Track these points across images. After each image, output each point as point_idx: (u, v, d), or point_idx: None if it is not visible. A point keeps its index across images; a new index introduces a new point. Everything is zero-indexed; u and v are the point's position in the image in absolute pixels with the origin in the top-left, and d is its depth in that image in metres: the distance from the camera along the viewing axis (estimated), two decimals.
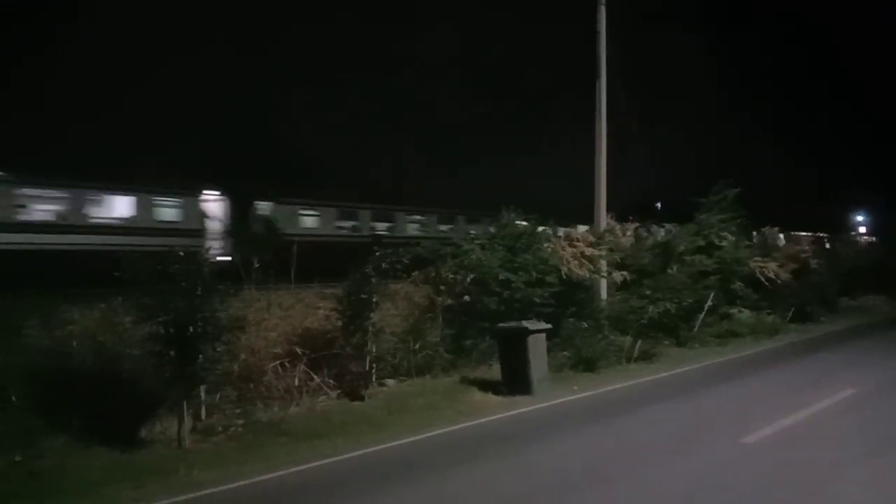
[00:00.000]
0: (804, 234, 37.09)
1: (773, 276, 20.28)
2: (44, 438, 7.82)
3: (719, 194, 20.74)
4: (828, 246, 31.46)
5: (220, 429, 8.89)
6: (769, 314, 20.29)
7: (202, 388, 8.86)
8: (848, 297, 26.74)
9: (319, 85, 36.36)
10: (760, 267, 20.19)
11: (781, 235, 28.42)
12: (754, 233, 24.91)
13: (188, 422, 8.50)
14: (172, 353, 8.28)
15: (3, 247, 17.49)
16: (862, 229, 58.39)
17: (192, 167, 23.67)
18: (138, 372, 8.93)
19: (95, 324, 9.83)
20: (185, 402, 8.44)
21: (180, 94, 31.08)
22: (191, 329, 8.30)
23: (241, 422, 9.16)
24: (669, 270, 17.73)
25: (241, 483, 7.14)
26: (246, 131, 31.79)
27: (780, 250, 23.13)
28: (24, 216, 18.89)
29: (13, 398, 8.05)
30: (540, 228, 15.25)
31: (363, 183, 29.95)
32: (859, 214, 60.32)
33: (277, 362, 10.63)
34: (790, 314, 20.87)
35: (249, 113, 32.45)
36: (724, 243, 19.82)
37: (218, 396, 9.43)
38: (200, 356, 8.39)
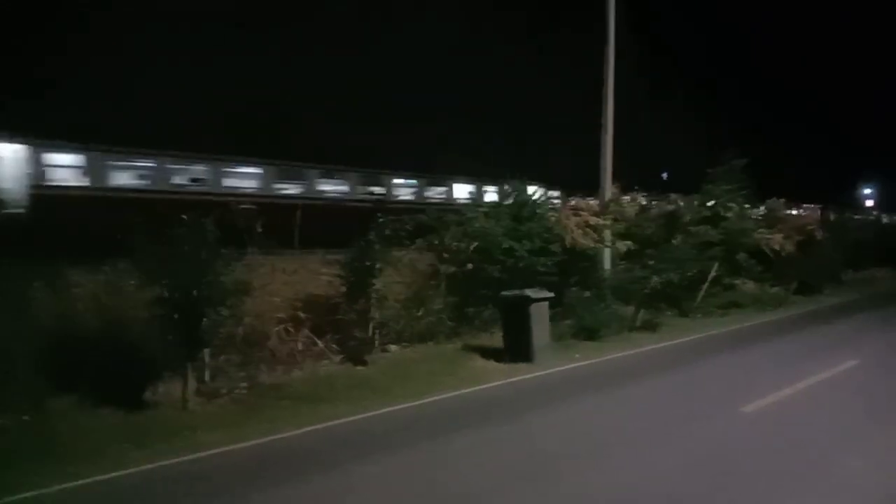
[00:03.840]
0: (811, 206, 36.89)
1: (778, 248, 20.26)
2: (51, 399, 7.93)
3: (726, 164, 20.60)
4: (833, 218, 31.34)
5: (223, 391, 9.01)
6: (773, 286, 20.31)
7: (206, 351, 8.95)
8: (853, 270, 26.73)
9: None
10: (766, 238, 20.17)
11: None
12: (761, 206, 24.79)
13: (192, 384, 8.60)
14: (177, 316, 8.33)
15: None
16: (869, 202, 58.10)
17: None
18: (143, 335, 8.98)
19: (100, 287, 9.89)
20: (189, 365, 8.54)
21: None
22: (195, 293, 8.34)
23: (244, 385, 9.27)
24: (674, 241, 17.69)
25: (244, 445, 7.24)
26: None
27: (786, 222, 23.03)
28: None
29: (22, 359, 8.13)
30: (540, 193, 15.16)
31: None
32: (867, 188, 59.98)
33: (281, 327, 10.73)
34: (794, 286, 20.88)
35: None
36: (729, 214, 19.74)
37: (222, 360, 9.54)
38: (205, 320, 8.45)
